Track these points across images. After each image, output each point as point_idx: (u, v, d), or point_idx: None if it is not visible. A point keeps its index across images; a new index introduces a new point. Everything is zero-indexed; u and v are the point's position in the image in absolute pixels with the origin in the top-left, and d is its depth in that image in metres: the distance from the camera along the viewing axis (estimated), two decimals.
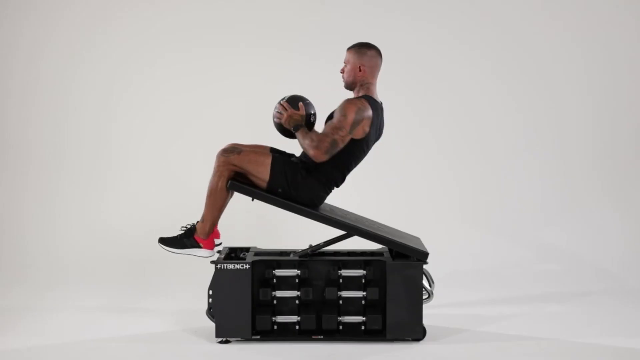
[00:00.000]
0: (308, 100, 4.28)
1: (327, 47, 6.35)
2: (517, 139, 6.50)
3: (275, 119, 4.28)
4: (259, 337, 4.20)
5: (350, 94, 4.40)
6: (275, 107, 4.27)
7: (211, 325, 4.28)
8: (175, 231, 4.46)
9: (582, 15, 6.44)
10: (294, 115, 4.20)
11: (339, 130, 4.13)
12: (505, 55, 6.49)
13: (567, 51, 6.47)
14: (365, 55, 4.29)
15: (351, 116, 4.13)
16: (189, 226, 4.32)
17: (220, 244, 4.44)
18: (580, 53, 6.47)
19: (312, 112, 4.27)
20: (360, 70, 4.28)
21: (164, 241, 4.30)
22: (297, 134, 4.19)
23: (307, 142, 4.13)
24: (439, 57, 6.49)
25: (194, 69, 6.44)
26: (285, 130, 4.28)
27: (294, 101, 4.24)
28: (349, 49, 4.34)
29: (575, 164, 6.45)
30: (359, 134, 4.19)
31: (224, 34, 6.45)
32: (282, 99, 4.27)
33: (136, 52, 6.44)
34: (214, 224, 4.27)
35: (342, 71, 4.35)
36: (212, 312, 4.26)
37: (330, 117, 4.28)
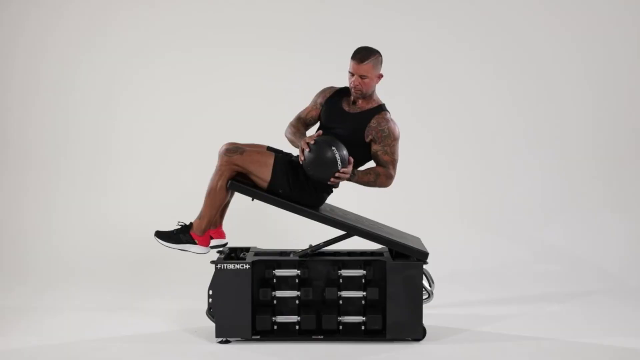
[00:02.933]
0: (338, 143, 4.15)
1: (327, 47, 6.35)
2: (517, 139, 6.49)
3: (335, 178, 4.13)
4: (259, 337, 4.20)
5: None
6: (315, 156, 4.08)
7: (211, 325, 4.28)
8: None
9: (582, 15, 6.44)
10: (351, 175, 4.21)
11: (395, 154, 4.33)
12: (506, 55, 6.48)
13: (567, 51, 6.47)
14: (379, 63, 4.26)
15: (398, 138, 4.32)
16: (186, 223, 4.32)
17: (226, 244, 4.41)
18: (580, 53, 6.46)
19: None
20: (378, 79, 4.29)
21: (159, 234, 4.30)
22: (355, 180, 4.25)
23: (374, 180, 4.28)
24: (439, 57, 6.49)
25: (194, 69, 6.43)
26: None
27: (343, 159, 4.11)
28: (363, 61, 4.18)
29: (575, 165, 6.45)
30: None
31: (224, 34, 6.44)
32: (330, 154, 4.07)
33: (136, 52, 6.43)
34: (211, 221, 4.27)
35: (356, 83, 4.21)
36: (212, 312, 4.26)
37: (358, 129, 4.24)
